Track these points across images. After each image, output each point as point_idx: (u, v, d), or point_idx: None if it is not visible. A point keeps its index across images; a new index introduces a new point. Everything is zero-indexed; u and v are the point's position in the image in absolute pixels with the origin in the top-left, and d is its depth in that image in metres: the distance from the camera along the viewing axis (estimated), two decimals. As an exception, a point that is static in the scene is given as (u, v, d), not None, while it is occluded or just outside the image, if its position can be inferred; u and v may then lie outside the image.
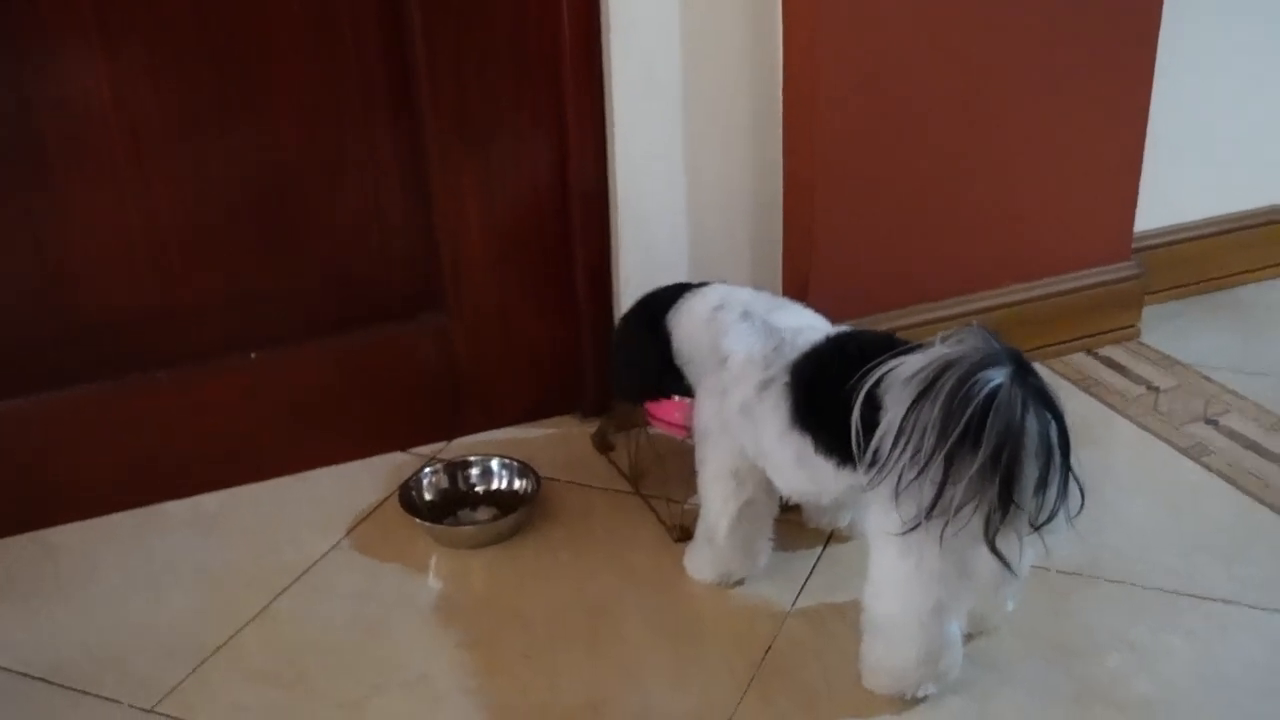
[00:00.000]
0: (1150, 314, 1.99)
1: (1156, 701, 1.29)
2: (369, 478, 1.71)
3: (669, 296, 1.50)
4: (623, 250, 1.72)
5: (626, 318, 1.55)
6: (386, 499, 1.66)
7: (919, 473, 1.12)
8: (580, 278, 1.75)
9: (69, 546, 1.60)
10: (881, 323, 1.75)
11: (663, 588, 1.49)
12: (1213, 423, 1.76)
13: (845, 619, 1.40)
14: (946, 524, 1.14)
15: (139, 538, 1.61)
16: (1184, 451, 1.70)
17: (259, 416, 1.70)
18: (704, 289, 1.48)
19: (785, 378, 1.32)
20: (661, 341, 1.48)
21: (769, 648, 1.38)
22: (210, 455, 1.69)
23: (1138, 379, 1.87)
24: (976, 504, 1.13)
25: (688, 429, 1.53)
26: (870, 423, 1.16)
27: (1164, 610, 1.41)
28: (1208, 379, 1.87)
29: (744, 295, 1.45)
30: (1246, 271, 2.13)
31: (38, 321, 1.58)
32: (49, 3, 1.44)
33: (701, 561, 1.48)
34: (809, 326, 1.39)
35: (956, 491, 1.12)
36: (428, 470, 1.66)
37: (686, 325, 1.46)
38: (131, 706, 1.33)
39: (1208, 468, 1.66)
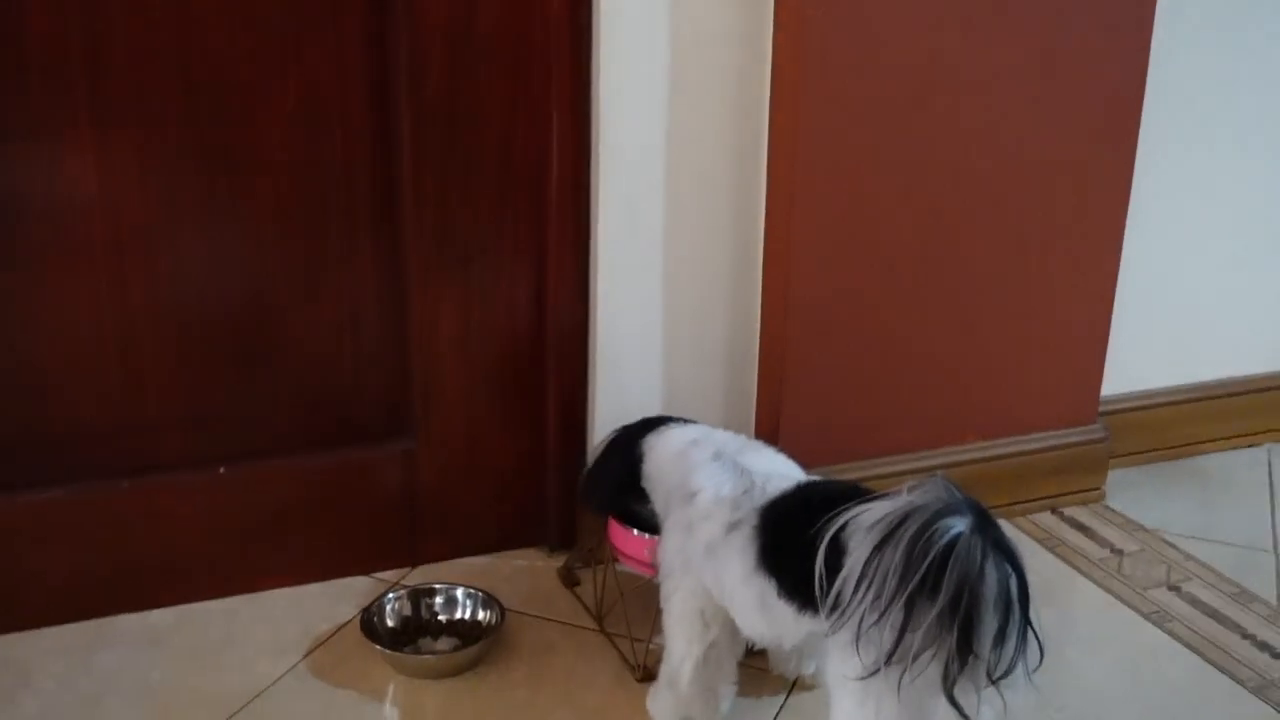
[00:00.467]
0: (1115, 478, 2.01)
1: None
2: (329, 601, 1.69)
3: (653, 423, 1.54)
4: (598, 389, 1.73)
5: (614, 435, 1.59)
6: (347, 623, 1.64)
7: (879, 618, 1.12)
8: (552, 412, 1.76)
9: (9, 657, 1.56)
10: (849, 473, 1.76)
11: (621, 730, 1.47)
12: (1175, 589, 1.77)
13: (804, 770, 1.38)
14: (905, 671, 1.14)
15: (84, 651, 1.58)
16: (1146, 616, 1.70)
17: (220, 532, 1.68)
18: (686, 424, 1.52)
19: (754, 520, 1.33)
20: (634, 458, 1.51)
21: (727, 797, 1.36)
22: (167, 569, 1.66)
23: (1102, 541, 1.89)
24: (935, 652, 1.13)
25: (654, 567, 1.53)
26: (834, 567, 1.17)
27: (1124, 777, 1.41)
28: (1170, 545, 1.88)
29: (720, 436, 1.48)
30: (1208, 441, 2.16)
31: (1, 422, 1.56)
32: (42, 91, 1.46)
33: (663, 704, 1.46)
34: (780, 473, 1.40)
35: (915, 638, 1.12)
36: (390, 596, 1.64)
37: (660, 451, 1.49)
38: (67, 828, 1.30)
39: (1169, 633, 1.66)
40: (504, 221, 1.68)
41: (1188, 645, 1.64)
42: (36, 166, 1.49)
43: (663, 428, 1.52)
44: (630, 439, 1.54)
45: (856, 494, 1.25)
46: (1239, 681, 1.57)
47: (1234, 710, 1.52)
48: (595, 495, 1.61)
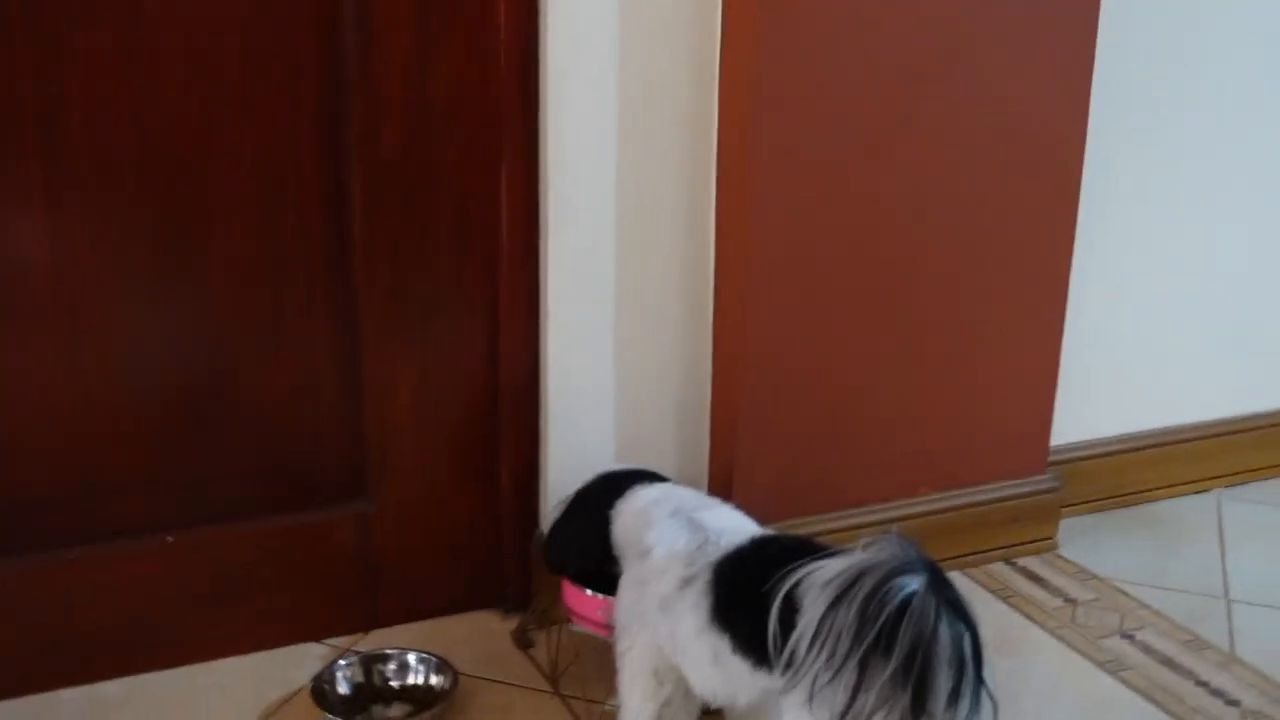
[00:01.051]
0: (1067, 526, 2.03)
1: None
2: (282, 667, 1.67)
3: (623, 486, 1.52)
4: (550, 446, 1.73)
5: (582, 491, 1.57)
6: (298, 692, 1.61)
7: (833, 677, 1.12)
8: (506, 473, 1.76)
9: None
10: (802, 526, 1.76)
11: (577, 793, 1.45)
12: (1128, 637, 1.78)
13: (761, 830, 1.37)
14: None
15: (32, 727, 1.55)
16: (1100, 665, 1.71)
17: (170, 600, 1.65)
18: (653, 485, 1.51)
19: (707, 576, 1.33)
20: (605, 524, 1.50)
21: None
22: (115, 639, 1.63)
23: (1055, 591, 1.90)
24: (888, 712, 1.12)
25: (609, 627, 1.52)
26: (788, 624, 1.16)
27: (1080, 828, 1.41)
28: (1124, 593, 1.90)
29: (681, 493, 1.49)
30: (1159, 487, 2.18)
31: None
32: (-5, 151, 1.46)
33: (617, 765, 1.45)
34: (735, 528, 1.40)
35: (869, 698, 1.12)
36: (342, 663, 1.62)
37: (624, 517, 1.48)
38: None
39: (1124, 682, 1.67)
40: (458, 280, 1.68)
41: (1142, 694, 1.65)
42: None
43: (630, 491, 1.51)
44: (601, 503, 1.52)
45: (811, 549, 1.26)
46: (1192, 729, 1.58)
47: (1188, 758, 1.53)
48: (559, 557, 1.59)
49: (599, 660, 1.59)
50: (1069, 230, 1.88)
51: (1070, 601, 1.87)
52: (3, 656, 1.59)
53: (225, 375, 1.63)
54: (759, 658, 1.26)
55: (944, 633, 1.12)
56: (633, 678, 1.42)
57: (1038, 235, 1.86)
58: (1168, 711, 1.61)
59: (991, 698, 1.15)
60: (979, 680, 1.14)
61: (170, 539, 1.64)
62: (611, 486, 1.54)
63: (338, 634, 1.74)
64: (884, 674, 1.11)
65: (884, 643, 1.10)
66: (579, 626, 1.60)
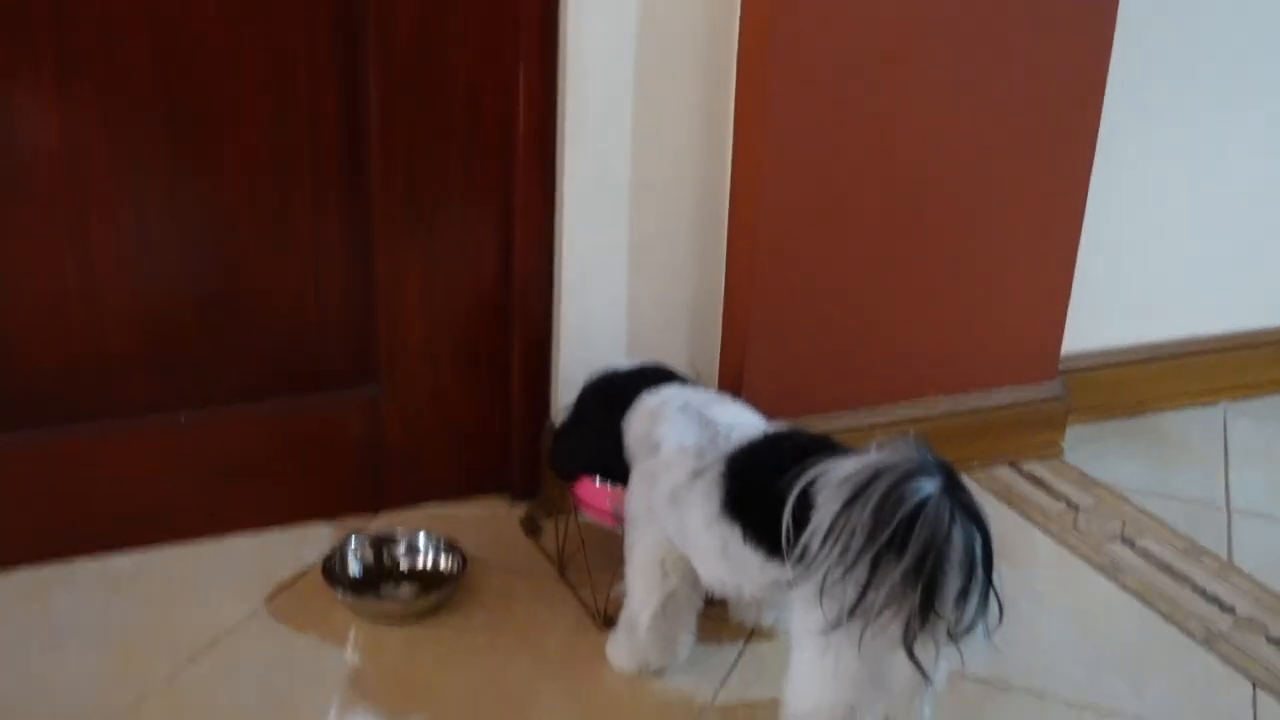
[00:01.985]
0: (1073, 434, 2.04)
1: (1059, 817, 1.30)
2: (291, 546, 1.69)
3: (631, 392, 1.49)
4: (562, 341, 1.73)
5: (589, 398, 1.55)
6: (308, 569, 1.64)
7: (844, 573, 1.14)
8: (517, 363, 1.76)
9: (-31, 598, 1.56)
10: (810, 425, 1.77)
11: (581, 675, 1.48)
12: (1129, 543, 1.80)
13: (763, 716, 1.40)
14: (866, 627, 1.16)
15: (43, 594, 1.58)
16: (1099, 569, 1.73)
17: (181, 477, 1.67)
18: (660, 391, 1.48)
19: (719, 468, 1.34)
20: (616, 436, 1.48)
21: (684, 741, 1.38)
22: (126, 514, 1.66)
23: (1059, 496, 1.91)
24: (897, 609, 1.14)
25: (616, 517, 1.54)
26: (801, 520, 1.18)
27: (1070, 724, 1.43)
28: (1126, 500, 1.91)
29: (692, 392, 1.47)
30: (1166, 399, 2.19)
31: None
32: (4, 41, 1.44)
33: (621, 650, 1.47)
34: (745, 423, 1.41)
35: (879, 595, 1.14)
36: (352, 543, 1.64)
37: (634, 420, 1.47)
38: (27, 768, 1.30)
39: (1122, 586, 1.69)
40: (471, 177, 1.67)
41: (1139, 598, 1.67)
42: (-1, 114, 1.47)
43: (639, 400, 1.47)
44: (612, 413, 1.49)
45: (825, 446, 1.27)
46: (1188, 633, 1.60)
47: (1182, 661, 1.55)
48: (565, 464, 1.59)
49: (605, 549, 1.61)
50: (1089, 142, 1.86)
51: (1073, 507, 1.89)
52: (18, 526, 1.61)
53: (236, 264, 1.63)
54: (769, 550, 1.27)
55: (956, 536, 1.13)
56: (639, 569, 1.44)
57: (1057, 146, 1.84)
58: (1164, 616, 1.63)
59: (999, 600, 1.17)
60: (988, 583, 1.16)
61: (183, 419, 1.65)
62: (618, 396, 1.51)
63: (347, 515, 1.76)
64: (895, 573, 1.12)
65: (897, 543, 1.12)
66: (587, 516, 1.62)
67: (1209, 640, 1.59)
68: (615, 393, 1.52)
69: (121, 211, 1.56)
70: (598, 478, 1.57)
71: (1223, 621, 1.63)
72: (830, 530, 1.14)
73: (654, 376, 1.53)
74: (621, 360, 1.61)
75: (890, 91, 1.70)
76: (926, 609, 1.14)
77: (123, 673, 1.44)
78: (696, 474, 1.35)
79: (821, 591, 1.16)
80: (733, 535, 1.31)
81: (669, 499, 1.38)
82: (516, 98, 1.63)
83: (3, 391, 1.58)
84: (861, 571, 1.13)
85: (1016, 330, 1.94)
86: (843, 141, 1.70)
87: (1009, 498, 1.90)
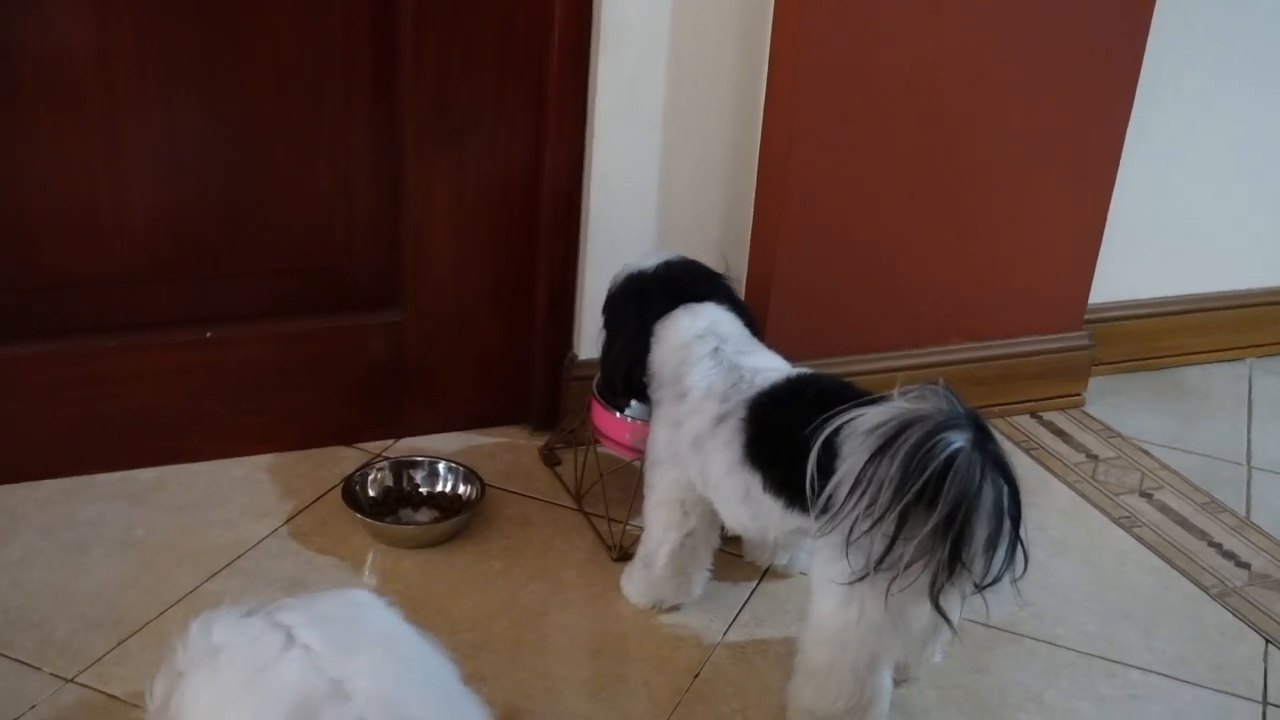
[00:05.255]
0: (1096, 385, 2.03)
1: (1063, 764, 1.31)
2: (312, 467, 1.71)
3: (668, 301, 1.44)
4: (588, 270, 1.73)
5: (625, 292, 1.49)
6: (328, 491, 1.65)
7: (871, 525, 1.13)
8: (541, 291, 1.76)
9: (-7, 507, 1.58)
10: (832, 367, 1.77)
11: (594, 605, 1.49)
12: (1147, 496, 1.80)
13: (772, 655, 1.42)
14: (895, 579, 1.16)
15: (68, 505, 1.60)
16: (1116, 521, 1.73)
17: (203, 394, 1.68)
18: (702, 308, 1.43)
19: (741, 413, 1.33)
20: (643, 347, 1.45)
21: (695, 675, 1.39)
22: (149, 428, 1.67)
23: (1079, 446, 1.91)
24: (925, 562, 1.14)
25: (635, 450, 1.55)
26: (826, 469, 1.17)
27: (1079, 673, 1.44)
28: (1146, 453, 1.91)
29: (726, 330, 1.42)
30: (1192, 353, 2.17)
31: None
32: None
33: (637, 585, 1.48)
34: (771, 368, 1.39)
35: (908, 548, 1.13)
36: (373, 466, 1.66)
37: (665, 343, 1.43)
38: (52, 675, 1.32)
39: (1138, 539, 1.69)
40: (503, 94, 1.65)
41: (1155, 550, 1.67)
42: (31, 15, 1.46)
43: (674, 314, 1.43)
44: (644, 318, 1.45)
45: (849, 392, 1.25)
46: (1202, 587, 1.60)
47: (1194, 613, 1.56)
48: (612, 372, 1.52)
49: (624, 482, 1.62)
50: (1128, 88, 1.83)
51: (1092, 458, 1.88)
52: (43, 438, 1.63)
53: (264, 174, 1.62)
54: (791, 498, 1.27)
55: (987, 490, 1.12)
56: (659, 506, 1.44)
57: (1095, 91, 1.81)
58: (1179, 569, 1.64)
59: (1025, 553, 1.17)
60: (1015, 536, 1.16)
61: (209, 334, 1.65)
62: (651, 298, 1.46)
63: (368, 439, 1.78)
64: (925, 527, 1.12)
65: (927, 497, 1.11)
66: (606, 448, 1.63)
67: (1223, 595, 1.59)
68: (650, 298, 1.46)
69: (152, 117, 1.55)
70: (618, 412, 1.56)
71: (1237, 577, 1.63)
72: (857, 481, 1.13)
73: (685, 277, 1.47)
74: (648, 258, 1.51)
75: (927, 31, 1.67)
76: (954, 561, 1.13)
77: (145, 584, 1.46)
78: (719, 420, 1.34)
79: (847, 543, 1.15)
80: (754, 483, 1.31)
81: (692, 444, 1.37)
82: (552, 12, 1.61)
83: (30, 301, 1.58)
84: (889, 524, 1.13)
85: (1044, 278, 1.92)
86: (877, 81, 1.68)
87: (1029, 446, 1.90)
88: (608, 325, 1.52)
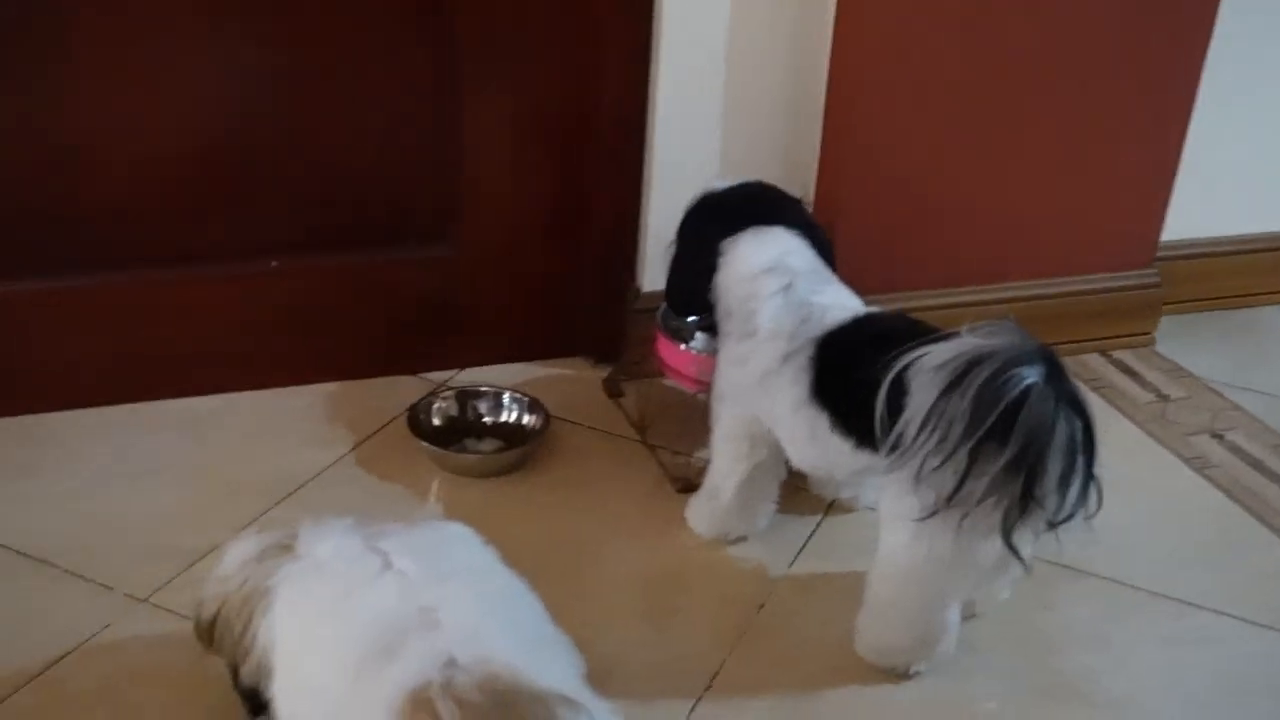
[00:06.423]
0: (1167, 325, 1.99)
1: (1125, 702, 1.30)
2: (376, 397, 1.71)
3: (738, 222, 1.40)
4: (651, 201, 1.71)
5: (695, 214, 1.45)
6: (391, 420, 1.66)
7: (942, 462, 1.12)
8: (603, 222, 1.75)
9: (58, 434, 1.60)
10: (898, 303, 1.74)
11: (657, 537, 1.49)
12: (1218, 436, 1.76)
13: (837, 589, 1.41)
14: (966, 515, 1.14)
15: (131, 432, 1.61)
16: (1186, 461, 1.70)
17: (265, 323, 1.69)
18: (770, 233, 1.39)
19: (809, 351, 1.31)
20: (710, 268, 1.41)
21: (760, 607, 1.39)
22: (210, 357, 1.68)
23: (1148, 385, 1.88)
24: (997, 499, 1.13)
25: (699, 382, 1.54)
26: (895, 407, 1.15)
27: (1144, 613, 1.42)
28: (1217, 393, 1.87)
29: (797, 263, 1.38)
30: (1268, 293, 2.13)
31: (44, 202, 1.56)
32: None
33: (703, 516, 1.48)
34: (840, 305, 1.36)
35: (979, 485, 1.12)
36: (438, 396, 1.66)
37: (734, 269, 1.39)
38: (126, 595, 1.34)
39: (1208, 479, 1.67)
40: (560, 20, 1.63)
41: (1225, 491, 1.64)
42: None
43: (743, 235, 1.39)
44: (711, 238, 1.41)
45: (916, 330, 1.23)
46: (1273, 529, 1.58)
47: (1264, 556, 1.53)
48: (676, 295, 1.50)
49: (687, 415, 1.61)
50: (1207, 17, 1.78)
51: (1162, 398, 1.85)
52: (104, 366, 1.65)
53: (319, 106, 1.62)
54: (859, 437, 1.25)
55: (1060, 426, 1.10)
56: (726, 439, 1.43)
57: (1172, 22, 1.76)
58: (1250, 510, 1.61)
59: (1099, 490, 1.15)
60: (1089, 472, 1.14)
61: (274, 263, 1.66)
62: (721, 218, 1.42)
63: (430, 369, 1.78)
64: (997, 464, 1.10)
65: (999, 433, 1.09)
66: (670, 380, 1.62)
67: (1294, 538, 1.57)
68: (719, 219, 1.43)
69: (204, 44, 1.54)
70: (683, 344, 1.55)
71: (1309, 520, 1.60)
72: (928, 418, 1.11)
73: (757, 199, 1.43)
74: (724, 180, 1.47)
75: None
76: (1026, 498, 1.12)
77: (205, 514, 1.47)
78: (787, 357, 1.32)
79: (918, 480, 1.14)
80: (820, 421, 1.29)
81: (759, 381, 1.36)
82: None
83: (90, 232, 1.59)
84: (960, 461, 1.11)
85: (1115, 214, 1.88)
86: (944, 14, 1.64)
87: (1097, 385, 1.87)
88: (676, 244, 1.48)
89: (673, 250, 1.48)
